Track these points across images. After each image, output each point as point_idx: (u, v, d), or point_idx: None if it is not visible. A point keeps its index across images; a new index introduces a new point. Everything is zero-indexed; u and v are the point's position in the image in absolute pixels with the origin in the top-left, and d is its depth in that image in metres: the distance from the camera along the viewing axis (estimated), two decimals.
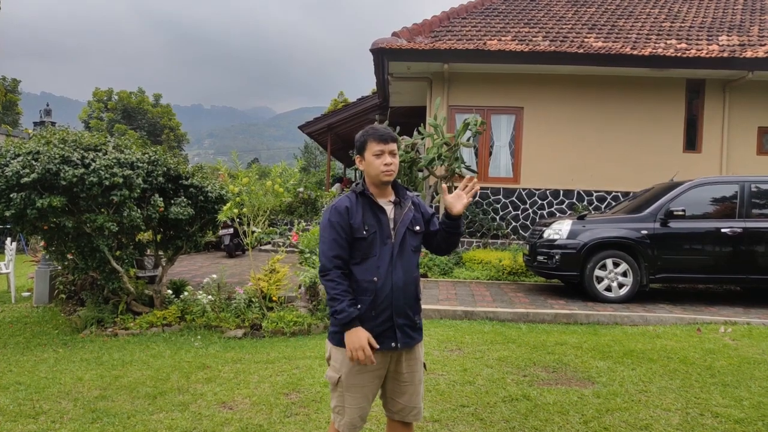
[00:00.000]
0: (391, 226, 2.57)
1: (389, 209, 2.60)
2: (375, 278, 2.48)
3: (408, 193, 2.71)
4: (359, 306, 2.47)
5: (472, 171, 10.91)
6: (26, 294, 8.54)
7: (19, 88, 35.67)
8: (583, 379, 4.80)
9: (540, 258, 8.15)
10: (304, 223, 13.12)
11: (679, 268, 7.80)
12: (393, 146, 2.56)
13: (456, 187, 2.70)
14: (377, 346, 2.44)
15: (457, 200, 2.57)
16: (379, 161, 2.53)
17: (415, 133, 10.76)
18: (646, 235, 7.77)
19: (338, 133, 18.76)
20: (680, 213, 7.72)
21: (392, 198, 2.65)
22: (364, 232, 2.50)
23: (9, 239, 9.14)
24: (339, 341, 2.53)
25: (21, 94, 36.23)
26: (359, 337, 2.41)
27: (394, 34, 11.61)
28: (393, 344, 2.50)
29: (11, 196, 5.61)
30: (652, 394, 4.41)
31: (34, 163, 5.62)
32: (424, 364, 2.71)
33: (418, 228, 2.64)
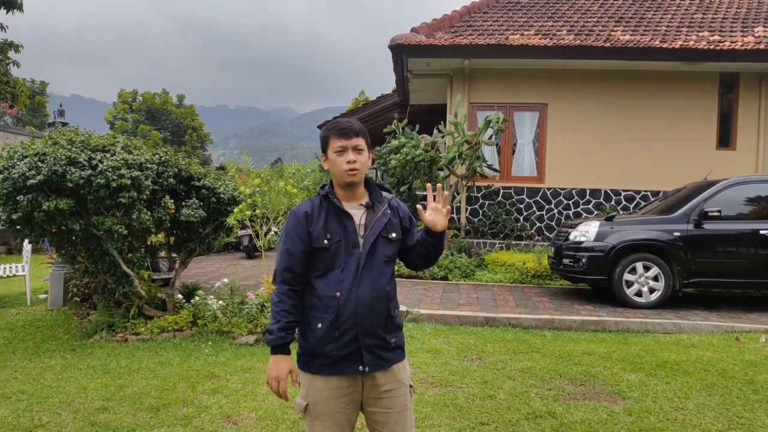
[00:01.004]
0: (360, 233, 2.25)
1: (358, 214, 2.28)
2: (337, 293, 2.17)
3: (384, 194, 2.38)
4: (319, 325, 2.19)
5: (494, 170, 10.57)
6: (42, 296, 8.46)
7: (48, 90, 36.20)
8: (612, 393, 4.47)
9: (566, 261, 7.80)
10: None
11: (715, 272, 7.39)
12: (357, 141, 2.23)
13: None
14: (295, 385, 2.24)
15: (436, 215, 2.29)
16: (342, 159, 2.21)
17: (435, 131, 10.45)
18: (679, 237, 7.37)
19: None
20: (715, 214, 7.30)
21: (364, 201, 2.32)
22: (326, 242, 2.20)
23: (26, 241, 9.09)
24: (305, 364, 2.26)
25: (49, 96, 36.77)
26: (280, 367, 2.19)
27: (413, 29, 11.32)
28: (360, 368, 2.19)
29: (18, 198, 5.48)
30: (689, 412, 4.07)
31: (41, 164, 5.48)
32: (411, 386, 2.36)
33: (393, 235, 2.30)
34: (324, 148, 2.30)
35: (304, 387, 2.27)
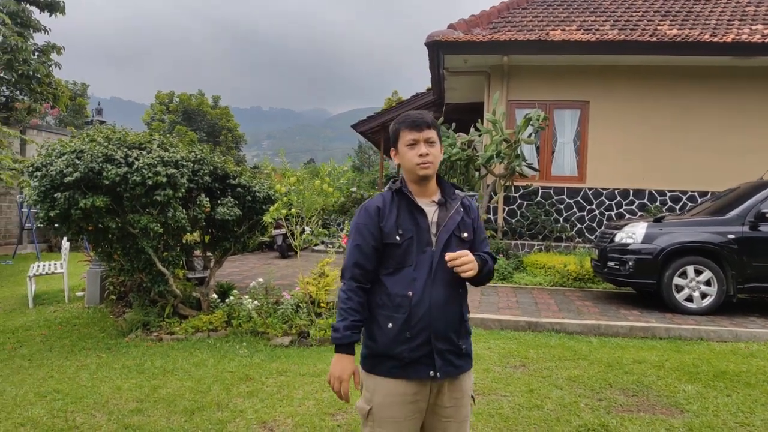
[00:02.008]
0: (432, 231, 2.14)
1: (431, 211, 2.17)
2: (409, 292, 2.08)
3: (457, 192, 2.27)
4: (390, 325, 2.09)
5: (534, 169, 10.26)
6: (80, 294, 8.52)
7: (89, 92, 37.06)
8: (669, 405, 4.18)
9: (611, 264, 7.46)
10: None
11: None
12: (430, 133, 2.14)
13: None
14: (358, 387, 2.13)
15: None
16: (413, 152, 2.13)
17: (472, 129, 10.20)
18: (734, 239, 6.97)
19: None
20: None
21: (437, 197, 2.22)
22: (397, 238, 2.11)
23: (65, 238, 9.18)
24: (371, 367, 2.14)
25: (90, 98, 37.64)
26: (344, 366, 2.10)
27: (450, 26, 11.09)
28: (431, 373, 2.08)
29: (55, 195, 5.46)
30: (757, 429, 3.77)
31: (78, 161, 5.45)
32: (473, 397, 2.26)
33: (466, 235, 2.19)
34: (394, 142, 2.22)
35: (368, 390, 2.15)
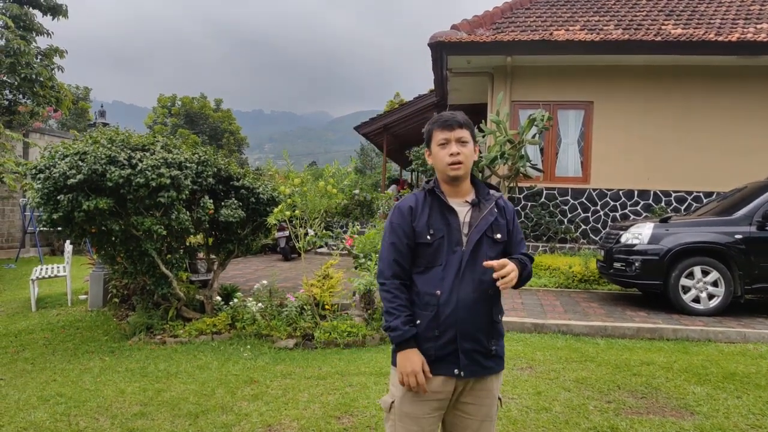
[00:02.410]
0: (464, 230, 2.15)
1: (463, 211, 2.18)
2: (438, 291, 2.10)
3: (492, 192, 2.27)
4: (418, 322, 2.09)
5: (538, 170, 10.20)
6: (83, 297, 8.49)
7: (91, 96, 37.12)
8: (678, 407, 4.13)
9: (617, 265, 7.40)
10: (358, 226, 12.72)
11: None
12: (462, 133, 2.15)
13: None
14: (430, 375, 2.09)
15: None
16: (445, 152, 2.15)
17: (476, 130, 10.15)
18: (741, 239, 6.91)
19: (394, 133, 18.28)
20: None
21: (470, 197, 2.22)
22: (428, 237, 2.13)
23: (68, 242, 9.16)
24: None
25: (92, 102, 37.68)
26: (412, 360, 2.07)
27: (454, 26, 11.05)
28: (456, 371, 2.09)
29: (58, 198, 5.43)
30: None
31: (81, 163, 5.42)
32: (500, 398, 2.25)
33: (499, 236, 2.18)
34: (428, 142, 2.24)
35: (393, 385, 2.18)
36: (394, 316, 2.10)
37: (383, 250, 2.21)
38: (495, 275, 2.03)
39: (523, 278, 2.16)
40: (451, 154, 2.12)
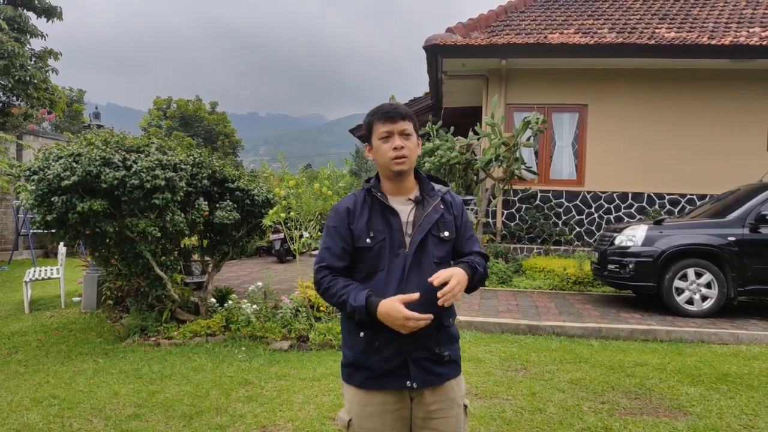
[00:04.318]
0: (407, 231, 1.98)
1: (405, 210, 2.01)
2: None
3: (438, 187, 2.09)
4: (362, 334, 1.95)
5: (533, 172, 10.24)
6: (76, 299, 8.45)
7: (85, 98, 37.01)
8: (672, 408, 4.15)
9: (611, 267, 7.43)
10: None
11: None
12: (405, 125, 1.97)
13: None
14: (416, 296, 1.85)
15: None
16: (387, 145, 1.97)
17: (471, 133, 10.18)
18: (734, 241, 6.95)
19: None
20: None
21: (414, 195, 2.04)
22: (368, 240, 1.95)
23: (62, 244, 9.11)
24: (347, 377, 2.03)
25: (87, 104, 37.56)
26: (391, 309, 1.83)
27: (449, 29, 11.09)
28: (407, 383, 1.93)
29: (52, 199, 5.42)
30: (761, 431, 3.72)
31: (75, 165, 5.41)
32: (465, 406, 2.08)
33: (446, 234, 2.01)
34: (368, 136, 2.05)
35: (347, 401, 2.05)
36: (341, 295, 1.92)
37: (318, 251, 2.06)
38: (438, 294, 1.84)
39: (474, 283, 2.00)
40: (395, 148, 1.95)
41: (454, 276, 1.87)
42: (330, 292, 1.96)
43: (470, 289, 2.00)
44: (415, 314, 1.83)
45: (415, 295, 1.85)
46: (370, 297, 1.88)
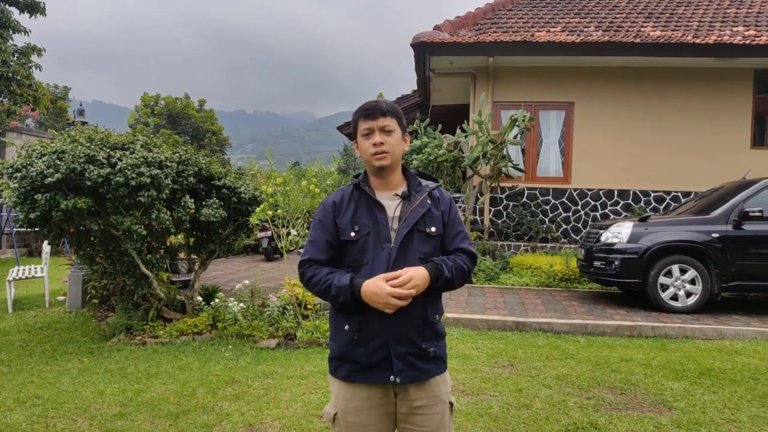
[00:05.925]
0: (393, 226, 1.99)
1: (392, 205, 2.03)
2: None
3: (426, 183, 2.11)
4: (346, 327, 1.98)
5: (520, 170, 10.28)
6: (61, 298, 8.37)
7: (70, 95, 36.60)
8: (656, 403, 4.19)
9: (597, 263, 7.49)
10: None
11: (757, 275, 7.03)
12: (386, 121, 1.99)
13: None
14: (400, 273, 1.88)
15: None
16: (368, 142, 2.00)
17: (459, 130, 10.20)
18: (718, 238, 7.03)
19: None
20: (757, 214, 6.97)
21: (401, 190, 2.07)
22: (353, 234, 1.98)
23: (46, 242, 9.01)
24: (333, 370, 2.05)
25: (71, 101, 37.14)
26: (375, 289, 1.86)
27: (436, 27, 11.10)
28: (391, 377, 1.94)
29: (36, 197, 5.35)
30: (743, 425, 3.78)
31: (59, 162, 5.34)
32: (451, 403, 2.07)
33: (432, 229, 2.02)
34: (354, 135, 2.09)
35: (333, 395, 2.06)
36: (325, 282, 1.95)
37: (305, 245, 2.10)
38: (390, 284, 1.87)
39: (438, 287, 1.98)
40: (375, 144, 1.98)
41: (412, 278, 1.88)
42: (314, 280, 1.99)
43: (443, 288, 2.00)
44: (399, 290, 1.85)
45: (399, 272, 1.88)
46: (354, 279, 1.92)
